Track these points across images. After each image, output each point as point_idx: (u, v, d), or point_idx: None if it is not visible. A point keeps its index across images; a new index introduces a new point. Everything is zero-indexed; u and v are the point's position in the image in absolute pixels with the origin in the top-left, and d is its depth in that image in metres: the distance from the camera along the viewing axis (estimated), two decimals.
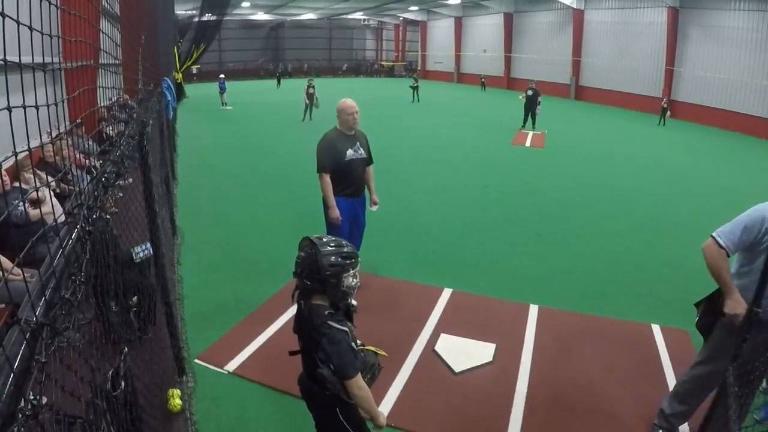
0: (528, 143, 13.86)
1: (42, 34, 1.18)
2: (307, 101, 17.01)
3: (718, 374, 2.78)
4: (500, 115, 19.37)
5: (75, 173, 3.87)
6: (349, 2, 33.62)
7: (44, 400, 0.93)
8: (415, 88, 24.44)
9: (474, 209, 7.73)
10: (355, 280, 2.12)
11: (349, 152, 4.45)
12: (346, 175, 4.47)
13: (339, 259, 2.05)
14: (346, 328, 2.05)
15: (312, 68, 44.90)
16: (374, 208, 4.84)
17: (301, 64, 45.05)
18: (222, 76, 22.19)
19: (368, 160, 4.69)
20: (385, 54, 51.41)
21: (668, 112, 19.39)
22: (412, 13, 42.20)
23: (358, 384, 2.02)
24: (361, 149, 4.56)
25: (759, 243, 2.54)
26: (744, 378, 2.71)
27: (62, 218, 1.50)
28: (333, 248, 2.06)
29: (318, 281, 2.04)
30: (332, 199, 4.41)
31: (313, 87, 17.04)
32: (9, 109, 0.95)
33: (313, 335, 2.03)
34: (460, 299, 4.88)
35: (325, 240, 2.10)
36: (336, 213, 4.42)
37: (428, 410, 3.33)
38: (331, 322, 2.01)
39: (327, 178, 4.40)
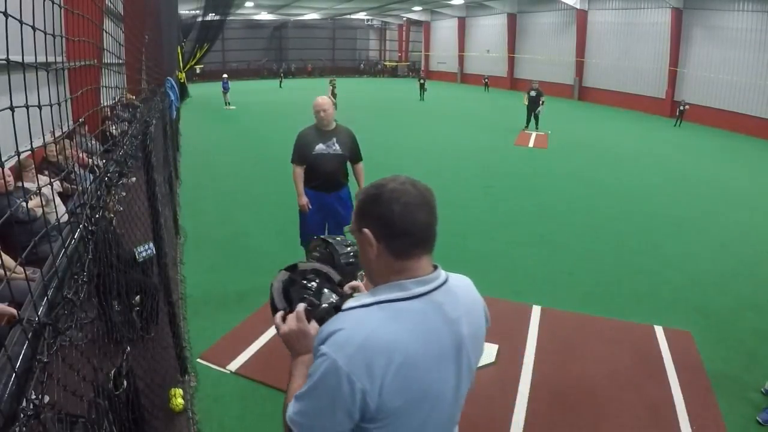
0: (531, 144, 13.83)
1: (45, 33, 1.18)
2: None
3: None
4: (503, 116, 19.34)
5: (78, 172, 3.88)
6: (352, 2, 33.61)
7: (46, 399, 0.93)
8: (422, 86, 25.60)
9: (477, 209, 7.72)
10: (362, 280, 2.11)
11: (319, 147, 4.55)
12: (312, 169, 4.62)
13: (354, 258, 2.03)
14: None
15: (315, 68, 44.94)
16: None
17: (304, 64, 45.08)
18: (225, 75, 22.23)
19: (346, 157, 4.65)
20: (389, 54, 51.38)
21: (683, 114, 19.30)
22: (416, 13, 42.17)
23: None
24: (337, 145, 4.57)
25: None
26: None
27: (65, 217, 1.50)
28: (347, 246, 2.04)
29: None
30: (299, 188, 4.64)
31: (335, 87, 16.84)
32: (12, 108, 0.95)
33: None
34: None
35: (338, 239, 2.08)
36: (302, 200, 4.63)
37: None
38: None
39: (296, 169, 4.66)
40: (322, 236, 2.10)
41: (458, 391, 1.23)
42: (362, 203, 1.20)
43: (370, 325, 1.09)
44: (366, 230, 1.17)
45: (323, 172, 4.59)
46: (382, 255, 1.16)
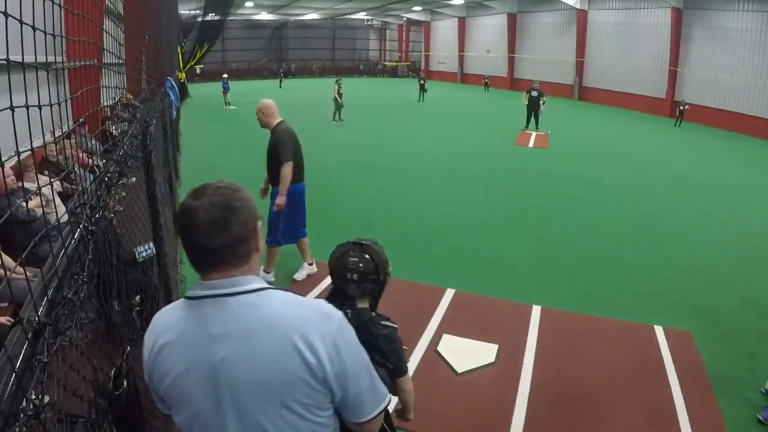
0: (531, 144, 13.84)
1: (45, 33, 1.18)
2: (335, 102, 16.81)
3: None
4: (503, 116, 19.34)
5: (78, 172, 3.87)
6: (352, 2, 33.61)
7: (46, 399, 0.93)
8: (422, 86, 24.72)
9: (477, 209, 7.72)
10: None
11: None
12: None
13: (385, 257, 2.02)
14: (396, 325, 2.00)
15: (317, 68, 44.95)
16: (273, 209, 4.85)
17: (304, 64, 45.10)
18: (225, 75, 22.23)
19: (270, 158, 4.69)
20: (389, 54, 51.38)
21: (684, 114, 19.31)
22: (416, 13, 42.18)
23: (410, 378, 2.00)
24: (268, 147, 4.73)
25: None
26: None
27: (65, 217, 1.51)
28: (377, 247, 2.03)
29: (377, 282, 1.98)
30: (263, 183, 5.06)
31: (341, 87, 16.87)
32: (12, 108, 0.95)
33: (366, 339, 1.94)
34: (463, 300, 4.87)
35: (367, 241, 2.05)
36: (260, 193, 5.03)
37: (431, 411, 3.33)
38: (384, 322, 1.96)
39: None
40: (351, 241, 2.04)
41: (222, 427, 1.10)
42: None
43: (163, 310, 1.23)
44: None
45: (268, 170, 4.89)
46: None
